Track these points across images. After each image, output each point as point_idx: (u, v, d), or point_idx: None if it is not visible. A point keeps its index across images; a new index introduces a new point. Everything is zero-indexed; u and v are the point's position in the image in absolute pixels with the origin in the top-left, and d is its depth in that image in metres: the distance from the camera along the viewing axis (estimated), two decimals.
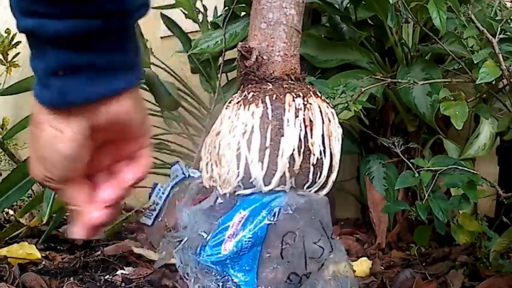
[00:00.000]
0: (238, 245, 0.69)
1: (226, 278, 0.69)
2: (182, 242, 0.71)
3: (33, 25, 0.46)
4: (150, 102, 1.73)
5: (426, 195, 1.18)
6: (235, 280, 0.69)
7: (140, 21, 0.53)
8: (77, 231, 0.54)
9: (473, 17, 1.23)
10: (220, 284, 0.69)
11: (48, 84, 0.48)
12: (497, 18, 1.30)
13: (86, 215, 0.54)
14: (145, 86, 1.71)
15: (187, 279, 0.71)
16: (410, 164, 1.24)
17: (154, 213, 0.79)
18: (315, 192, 0.73)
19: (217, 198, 0.73)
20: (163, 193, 0.79)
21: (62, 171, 0.52)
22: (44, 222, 1.56)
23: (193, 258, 0.71)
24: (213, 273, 0.70)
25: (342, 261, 0.74)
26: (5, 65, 2.38)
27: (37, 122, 0.51)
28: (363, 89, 1.31)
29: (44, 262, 1.43)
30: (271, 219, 0.69)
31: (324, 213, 0.72)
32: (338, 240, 0.75)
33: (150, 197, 0.80)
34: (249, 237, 0.68)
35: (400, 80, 1.46)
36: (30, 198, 2.00)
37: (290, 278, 0.70)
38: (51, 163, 0.51)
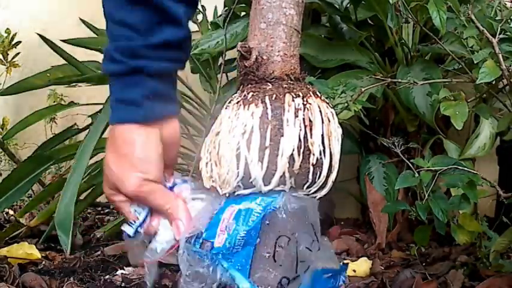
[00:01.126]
0: (231, 241, 0.68)
1: (216, 263, 0.69)
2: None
3: (143, 64, 0.69)
4: None
5: (426, 195, 1.18)
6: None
7: None
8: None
9: (473, 17, 1.23)
10: (211, 268, 0.69)
11: (142, 105, 0.70)
12: (497, 18, 1.30)
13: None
14: None
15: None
16: (410, 164, 1.23)
17: (138, 223, 0.74)
18: (315, 192, 0.73)
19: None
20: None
21: (157, 169, 0.71)
22: None
23: (188, 246, 0.71)
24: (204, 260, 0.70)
25: (329, 261, 0.73)
26: (5, 65, 2.37)
27: (123, 139, 0.71)
28: (363, 89, 1.31)
29: (44, 262, 1.43)
30: (265, 221, 0.69)
31: (314, 216, 0.72)
32: (326, 241, 0.75)
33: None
34: (242, 236, 0.68)
35: (400, 80, 1.46)
36: (30, 198, 2.00)
37: (281, 283, 0.70)
38: (148, 163, 0.71)
